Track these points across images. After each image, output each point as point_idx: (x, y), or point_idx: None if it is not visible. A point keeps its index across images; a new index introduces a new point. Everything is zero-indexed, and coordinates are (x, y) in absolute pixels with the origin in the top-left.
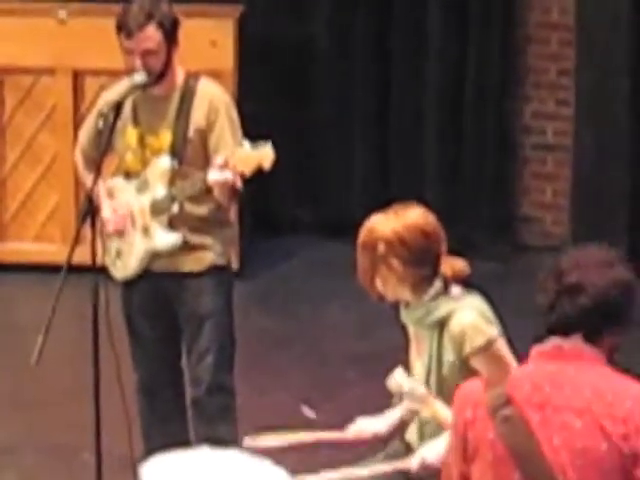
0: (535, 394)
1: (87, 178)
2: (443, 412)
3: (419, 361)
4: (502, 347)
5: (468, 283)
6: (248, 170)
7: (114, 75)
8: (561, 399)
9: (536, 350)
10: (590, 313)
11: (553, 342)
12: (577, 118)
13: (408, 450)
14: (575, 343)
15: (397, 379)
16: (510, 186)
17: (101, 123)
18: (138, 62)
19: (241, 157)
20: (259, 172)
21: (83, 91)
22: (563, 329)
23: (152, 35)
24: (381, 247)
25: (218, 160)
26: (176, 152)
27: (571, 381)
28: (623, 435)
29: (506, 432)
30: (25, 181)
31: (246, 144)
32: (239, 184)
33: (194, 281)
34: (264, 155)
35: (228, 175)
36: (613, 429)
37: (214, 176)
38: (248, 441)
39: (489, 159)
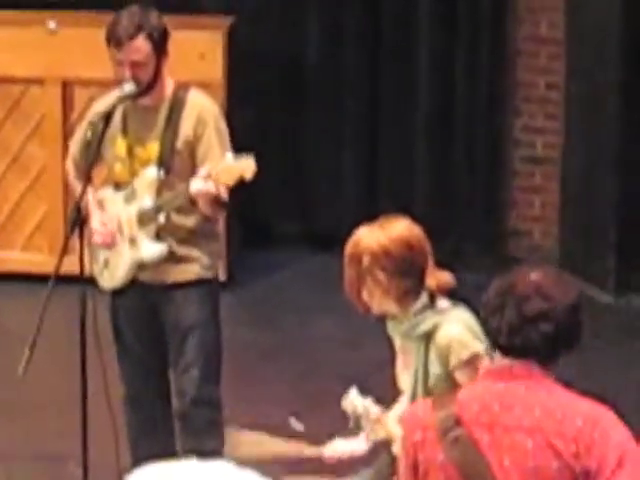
0: (484, 414)
1: (78, 188)
2: (399, 432)
3: (406, 374)
4: (486, 362)
5: (455, 296)
6: (230, 181)
7: (104, 85)
8: (511, 419)
9: (485, 370)
10: (553, 340)
11: (502, 362)
12: (566, 132)
13: (394, 463)
14: (525, 363)
15: (351, 400)
16: (499, 199)
17: (90, 133)
18: (127, 73)
19: (223, 169)
20: (245, 184)
21: (72, 101)
22: (525, 354)
23: (141, 46)
24: (366, 259)
25: (201, 171)
26: (163, 163)
27: (521, 401)
28: (574, 454)
29: (456, 454)
30: (13, 191)
31: (229, 155)
32: (224, 195)
33: (180, 292)
34: (245, 166)
35: (210, 186)
36: (564, 448)
37: (197, 186)
38: (229, 430)
39: (478, 172)
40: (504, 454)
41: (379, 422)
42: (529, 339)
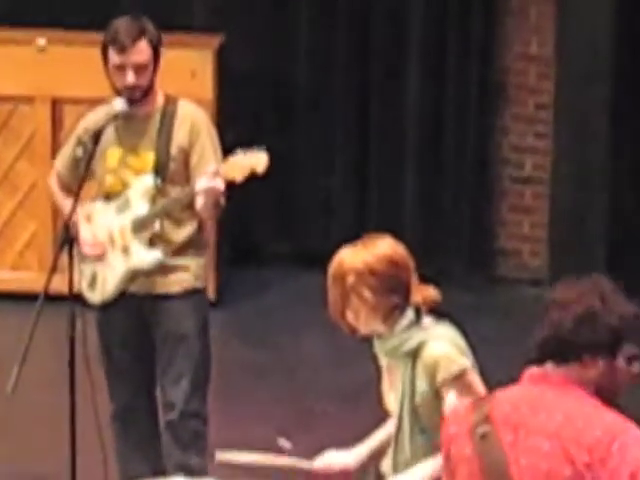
0: (512, 415)
1: (63, 204)
2: None
3: (392, 392)
4: (474, 378)
5: (439, 313)
6: (240, 176)
7: (93, 103)
8: (535, 422)
9: (527, 373)
10: (546, 343)
11: (544, 367)
12: (555, 151)
13: (381, 479)
14: (561, 370)
15: None
16: (488, 218)
17: (80, 151)
18: (131, 77)
19: (231, 164)
20: (240, 200)
21: (62, 119)
22: (534, 358)
23: (145, 49)
24: (351, 278)
25: (210, 168)
26: (160, 171)
27: (548, 405)
28: (587, 464)
29: (481, 449)
30: (3, 209)
31: (239, 151)
32: (222, 200)
33: (171, 303)
34: (257, 160)
35: (218, 182)
36: (578, 456)
37: (203, 184)
38: (219, 455)
39: (467, 191)
40: (521, 455)
41: None
42: (536, 342)
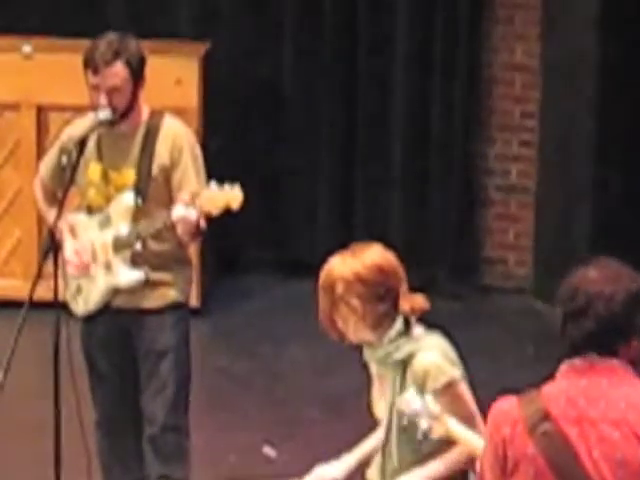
0: (570, 408)
1: (47, 211)
2: (456, 429)
3: (382, 401)
4: (463, 388)
5: (430, 323)
6: (215, 210)
7: (79, 111)
8: (596, 412)
9: (566, 366)
10: (596, 336)
11: (582, 357)
12: (541, 160)
13: None
14: (607, 357)
15: (409, 398)
16: (473, 227)
17: (65, 159)
18: (103, 99)
19: (208, 197)
20: (226, 212)
21: (47, 127)
22: (574, 351)
23: (118, 72)
24: (340, 287)
25: (184, 196)
26: (140, 189)
27: (605, 394)
28: None
29: (546, 447)
30: None
31: (213, 184)
32: (203, 224)
33: (154, 317)
34: (232, 196)
35: (192, 213)
36: None
37: (179, 212)
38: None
39: (453, 200)
40: (593, 446)
41: (439, 420)
42: (570, 337)
